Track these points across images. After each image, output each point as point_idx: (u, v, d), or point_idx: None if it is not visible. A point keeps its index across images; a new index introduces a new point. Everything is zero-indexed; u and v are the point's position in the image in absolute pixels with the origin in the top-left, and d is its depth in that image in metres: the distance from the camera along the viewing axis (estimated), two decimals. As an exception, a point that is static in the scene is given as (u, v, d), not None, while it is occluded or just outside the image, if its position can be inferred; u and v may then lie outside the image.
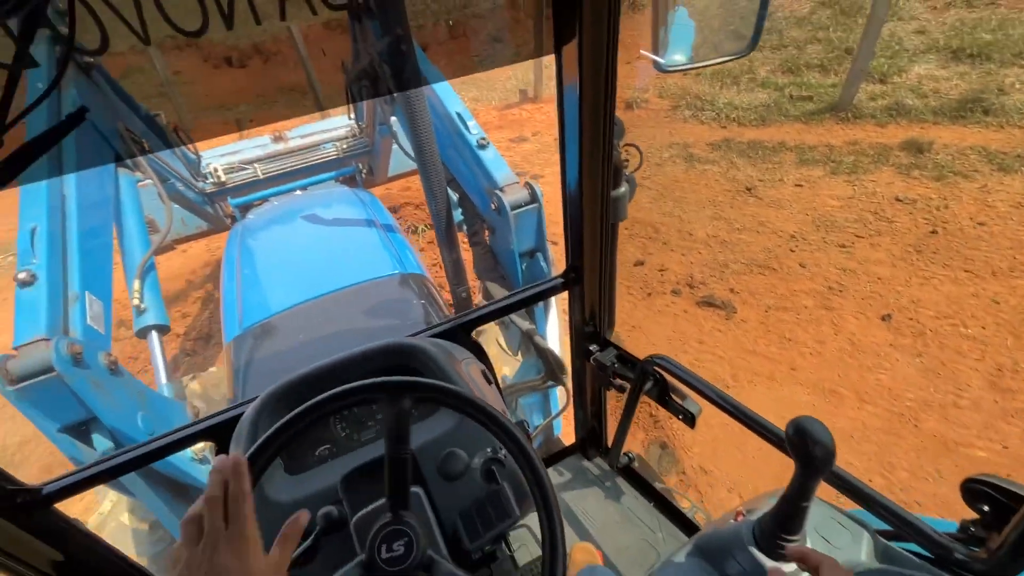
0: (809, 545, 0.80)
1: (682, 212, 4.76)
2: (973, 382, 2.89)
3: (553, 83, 1.18)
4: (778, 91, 6.55)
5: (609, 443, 1.85)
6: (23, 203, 1.72)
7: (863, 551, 0.83)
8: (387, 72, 2.05)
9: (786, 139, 5.51)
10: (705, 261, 4.15)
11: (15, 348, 1.38)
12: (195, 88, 8.23)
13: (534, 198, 1.94)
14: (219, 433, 1.16)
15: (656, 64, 1.06)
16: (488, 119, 7.81)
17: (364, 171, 4.15)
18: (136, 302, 2.14)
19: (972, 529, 0.85)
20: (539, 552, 1.08)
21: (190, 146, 3.20)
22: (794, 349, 3.32)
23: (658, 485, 1.80)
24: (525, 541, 1.63)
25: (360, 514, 0.86)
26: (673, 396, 1.35)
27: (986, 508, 0.82)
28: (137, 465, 1.13)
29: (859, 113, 5.67)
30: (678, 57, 1.07)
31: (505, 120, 7.81)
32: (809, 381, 3.10)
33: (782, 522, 0.76)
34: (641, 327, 3.68)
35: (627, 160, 1.27)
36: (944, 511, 2.38)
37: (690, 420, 1.31)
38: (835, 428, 2.60)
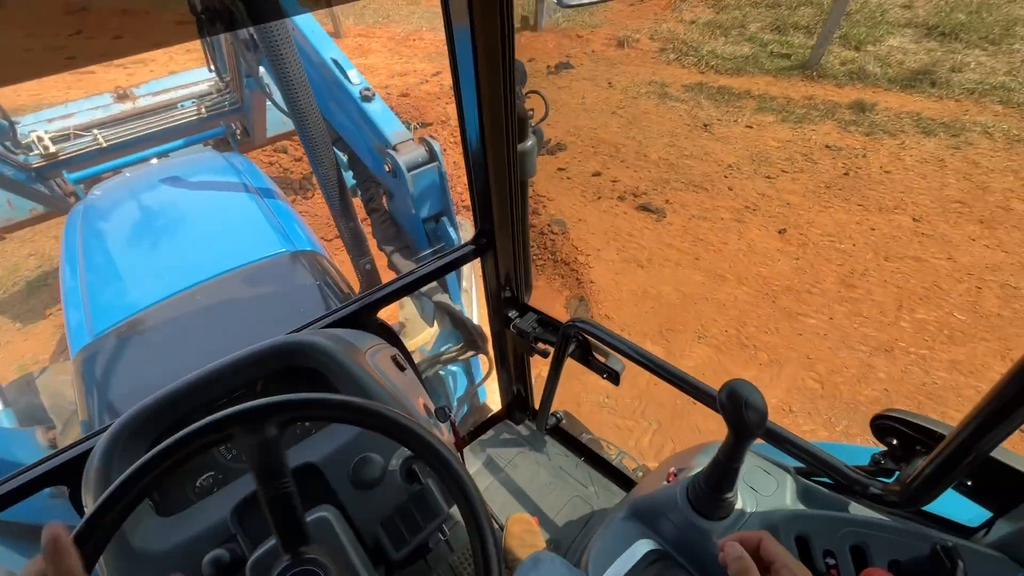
0: (739, 497, 0.82)
1: (643, 138, 5.42)
2: (828, 279, 3.69)
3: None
4: (761, 47, 7.04)
5: (536, 406, 1.82)
6: None
7: (787, 495, 0.87)
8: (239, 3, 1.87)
9: (752, 89, 6.09)
10: (652, 178, 4.86)
11: None
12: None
13: (432, 156, 1.75)
14: (70, 473, 0.95)
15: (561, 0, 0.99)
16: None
17: (238, 132, 3.59)
18: None
19: (883, 462, 0.88)
20: None
21: None
22: (702, 247, 4.09)
23: (585, 437, 1.80)
24: (459, 518, 1.95)
25: (256, 555, 0.71)
26: (596, 355, 1.33)
27: (895, 442, 0.85)
28: None
29: (823, 73, 6.23)
30: None
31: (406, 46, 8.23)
32: (706, 268, 3.89)
33: (715, 483, 0.78)
34: (586, 221, 4.43)
35: (532, 110, 1.16)
36: (772, 355, 3.22)
37: (614, 378, 1.31)
38: (714, 299, 3.43)
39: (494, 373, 1.86)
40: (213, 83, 3.32)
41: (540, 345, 1.49)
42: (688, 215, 4.41)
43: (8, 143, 2.73)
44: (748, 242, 4.09)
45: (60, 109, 3.31)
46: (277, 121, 3.41)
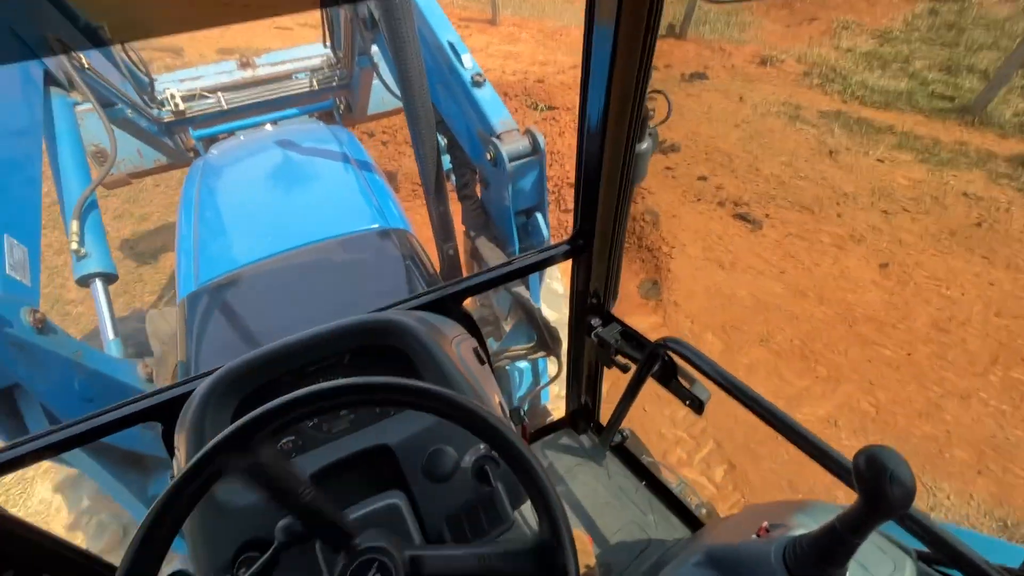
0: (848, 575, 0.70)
1: (760, 153, 5.40)
2: (920, 319, 3.54)
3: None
4: (922, 85, 6.55)
5: (602, 419, 1.77)
6: None
7: None
8: None
9: (897, 125, 5.75)
10: (758, 191, 4.87)
11: None
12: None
13: (536, 148, 1.72)
14: (167, 412, 1.03)
15: None
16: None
17: (342, 107, 3.77)
18: (74, 245, 1.86)
19: None
20: (528, 541, 0.90)
21: (140, 67, 2.87)
22: (791, 263, 4.09)
23: (646, 460, 1.74)
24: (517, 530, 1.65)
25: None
26: (681, 380, 1.25)
27: None
28: (69, 445, 1.03)
29: (987, 121, 5.70)
30: None
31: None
32: (789, 283, 3.91)
33: (824, 553, 0.66)
34: (679, 218, 4.60)
35: (652, 111, 1.14)
36: (833, 372, 3.21)
37: (698, 407, 1.23)
38: (788, 311, 3.50)
39: (562, 378, 1.83)
40: (325, 58, 3.49)
41: (619, 358, 1.43)
42: (785, 232, 4.40)
43: (146, 97, 2.96)
44: (842, 268, 4.01)
45: (191, 71, 3.61)
46: (377, 100, 3.55)
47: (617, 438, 1.76)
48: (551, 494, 0.67)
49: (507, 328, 2.07)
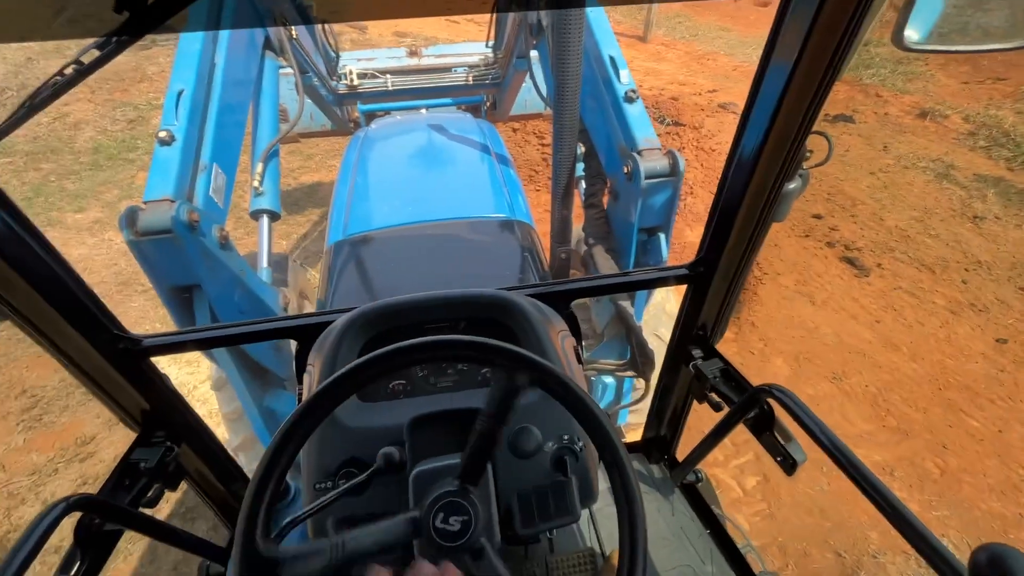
0: None
1: (890, 203, 5.10)
2: (1028, 403, 3.24)
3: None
4: (1121, 167, 5.69)
5: (676, 452, 1.75)
6: (176, 64, 1.74)
7: None
8: None
9: (1070, 203, 5.10)
10: (875, 240, 4.65)
11: (145, 202, 1.41)
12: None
13: (675, 170, 1.73)
14: (305, 334, 1.18)
15: (897, 37, 0.83)
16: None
17: (488, 103, 4.08)
18: (256, 184, 2.17)
19: None
20: (579, 544, 0.93)
21: (331, 43, 3.23)
22: (891, 315, 3.90)
23: (715, 509, 1.69)
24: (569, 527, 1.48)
25: (423, 468, 0.83)
26: (776, 434, 1.18)
27: None
28: (227, 342, 1.19)
29: None
30: (913, 34, 0.84)
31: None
32: (882, 333, 3.75)
33: None
34: (781, 247, 4.55)
35: (811, 152, 1.09)
36: (903, 425, 3.08)
37: (790, 467, 1.15)
38: (872, 358, 3.44)
39: (645, 403, 1.80)
40: (484, 57, 3.78)
41: (713, 395, 1.38)
42: (894, 285, 4.18)
43: (329, 70, 3.34)
44: (950, 333, 3.75)
45: (367, 52, 4.08)
46: (521, 103, 3.86)
47: (690, 477, 1.68)
48: (638, 510, 0.68)
49: (601, 340, 2.09)
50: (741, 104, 1.05)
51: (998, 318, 3.89)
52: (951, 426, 3.10)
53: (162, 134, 1.54)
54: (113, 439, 3.05)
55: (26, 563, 0.80)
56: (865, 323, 3.84)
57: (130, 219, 1.35)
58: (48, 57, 8.07)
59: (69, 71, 0.79)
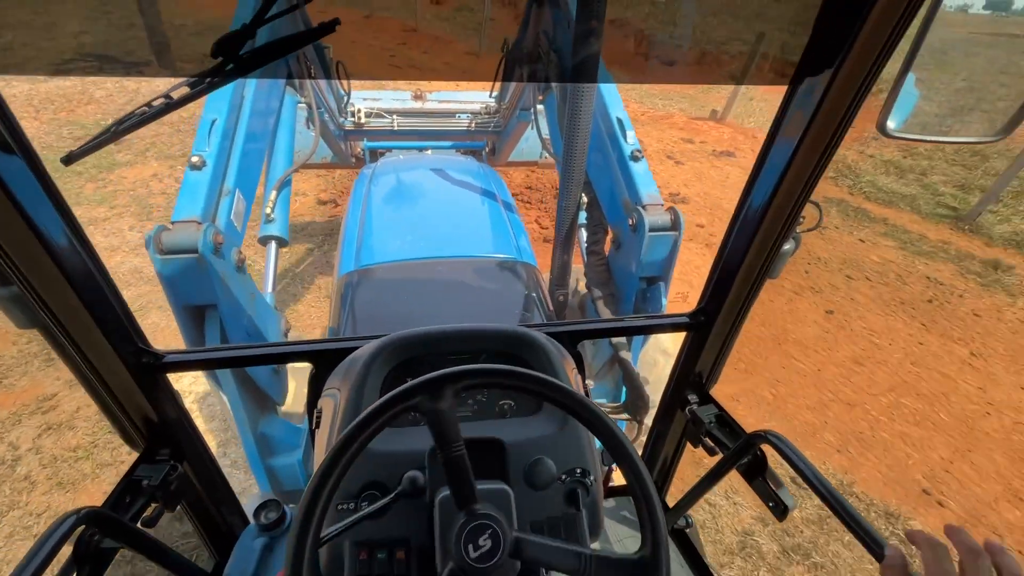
0: None
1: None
2: (843, 352, 4.18)
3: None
4: (931, 194, 7.21)
5: (667, 497, 1.76)
6: (211, 96, 1.76)
7: None
8: (556, 60, 2.08)
9: (892, 219, 6.44)
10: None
11: (172, 222, 1.45)
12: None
13: (675, 225, 1.83)
14: (322, 359, 1.19)
15: (882, 125, 0.88)
16: (676, 122, 9.65)
17: (487, 149, 4.23)
18: (268, 211, 2.20)
19: None
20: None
21: (344, 83, 3.34)
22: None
23: (704, 559, 1.68)
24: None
25: (444, 495, 0.82)
26: (768, 480, 1.20)
27: None
28: (246, 363, 1.19)
29: (977, 229, 6.29)
30: (892, 124, 0.90)
31: (690, 129, 9.59)
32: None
33: None
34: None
35: (803, 218, 1.17)
36: (751, 369, 3.90)
37: (781, 512, 1.16)
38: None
39: (639, 444, 1.85)
40: (485, 106, 4.01)
41: (707, 440, 1.41)
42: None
43: (339, 107, 3.55)
44: (793, 308, 4.73)
45: (375, 93, 4.34)
46: (519, 151, 4.08)
47: (681, 523, 1.66)
48: (659, 517, 0.71)
49: (593, 382, 2.16)
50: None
51: (829, 297, 4.92)
52: (783, 368, 3.97)
53: (194, 159, 1.60)
54: (74, 396, 3.34)
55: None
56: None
57: (157, 238, 1.41)
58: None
59: (158, 102, 0.84)
